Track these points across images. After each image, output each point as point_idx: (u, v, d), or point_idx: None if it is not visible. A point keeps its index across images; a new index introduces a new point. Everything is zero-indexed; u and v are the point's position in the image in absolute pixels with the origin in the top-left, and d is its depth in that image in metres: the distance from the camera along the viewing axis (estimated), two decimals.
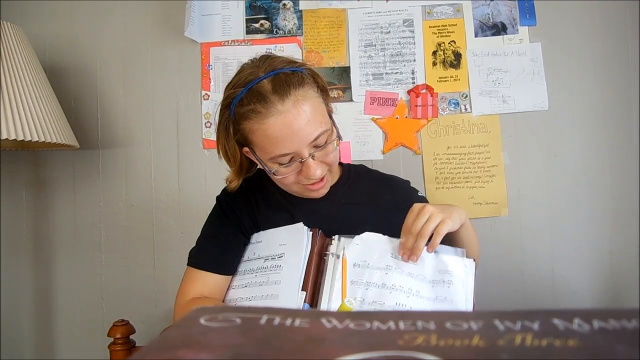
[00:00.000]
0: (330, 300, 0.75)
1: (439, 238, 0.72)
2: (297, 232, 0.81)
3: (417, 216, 0.74)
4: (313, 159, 0.78)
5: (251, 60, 0.81)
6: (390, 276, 0.76)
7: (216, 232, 0.88)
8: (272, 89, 0.74)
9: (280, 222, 0.85)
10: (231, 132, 0.80)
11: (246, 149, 0.82)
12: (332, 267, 0.77)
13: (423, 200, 0.93)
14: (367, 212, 0.88)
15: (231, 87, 0.79)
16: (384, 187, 0.93)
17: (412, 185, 0.99)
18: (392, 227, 0.85)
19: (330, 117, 0.83)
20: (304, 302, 0.75)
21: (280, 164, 0.78)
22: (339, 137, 0.83)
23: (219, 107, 0.82)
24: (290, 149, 0.76)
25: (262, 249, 0.84)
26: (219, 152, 0.85)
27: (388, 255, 0.78)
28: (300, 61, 0.82)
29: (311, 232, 0.81)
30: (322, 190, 0.84)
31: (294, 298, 0.75)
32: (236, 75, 0.80)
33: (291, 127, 0.74)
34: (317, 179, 0.79)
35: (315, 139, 0.76)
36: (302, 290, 0.76)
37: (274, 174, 0.80)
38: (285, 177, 0.80)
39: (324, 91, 0.82)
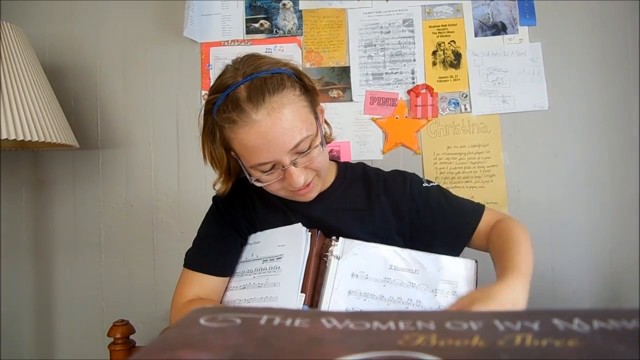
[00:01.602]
0: (331, 303, 0.74)
1: None
2: (295, 233, 0.80)
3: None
4: (295, 166, 0.74)
5: (234, 61, 0.78)
6: (389, 288, 0.75)
7: (213, 233, 0.86)
8: (247, 96, 0.71)
9: (277, 222, 0.84)
10: (217, 136, 0.77)
11: (233, 152, 0.80)
12: (335, 269, 0.76)
13: (428, 190, 0.88)
14: (361, 219, 0.85)
15: (212, 91, 0.76)
16: (380, 189, 0.88)
17: (401, 172, 0.92)
18: (387, 232, 0.84)
19: (317, 119, 0.79)
20: (304, 304, 0.75)
21: (262, 172, 0.75)
22: (323, 143, 0.78)
23: (202, 111, 0.79)
24: (268, 158, 0.73)
25: (260, 250, 0.83)
26: (204, 157, 0.81)
27: (387, 266, 0.77)
28: (285, 61, 0.78)
29: (310, 233, 0.80)
30: (309, 195, 0.81)
31: (293, 300, 0.75)
32: (218, 78, 0.77)
33: (266, 137, 0.71)
34: (301, 186, 0.76)
35: (296, 146, 0.73)
36: (302, 292, 0.75)
37: (256, 181, 0.78)
38: (269, 185, 0.78)
39: (310, 91, 0.78)
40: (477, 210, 0.87)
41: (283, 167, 0.74)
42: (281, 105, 0.71)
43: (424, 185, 0.89)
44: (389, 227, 0.85)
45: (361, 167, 0.94)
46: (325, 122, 0.87)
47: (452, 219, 0.85)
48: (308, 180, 0.77)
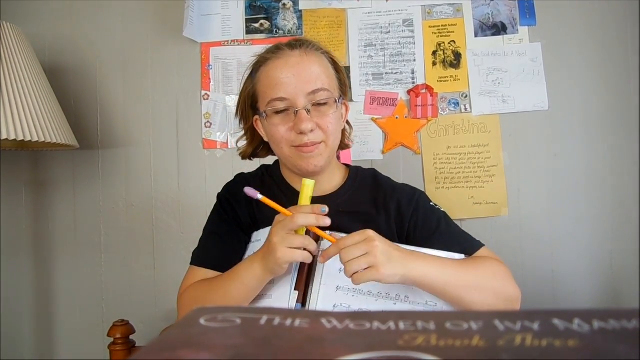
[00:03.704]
0: (319, 298, 0.75)
1: (356, 282, 0.68)
2: None
3: (356, 244, 0.69)
4: (308, 113, 0.77)
5: None
6: (377, 283, 0.75)
7: (217, 230, 0.88)
8: (288, 43, 0.81)
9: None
10: (249, 91, 0.84)
11: (256, 116, 0.85)
12: (322, 265, 0.76)
13: (434, 210, 0.88)
14: (365, 223, 0.83)
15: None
16: (388, 196, 0.87)
17: (412, 187, 0.92)
18: (389, 238, 0.82)
19: (341, 101, 0.85)
20: (296, 301, 0.75)
21: (275, 112, 0.79)
22: (340, 115, 0.83)
23: (245, 76, 0.88)
24: (286, 94, 0.77)
25: (259, 248, 0.84)
26: (236, 113, 0.90)
27: None
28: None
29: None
30: (313, 160, 0.80)
31: (286, 297, 0.76)
32: None
33: (292, 69, 0.77)
34: (307, 132, 0.77)
35: (314, 92, 0.77)
36: (295, 289, 0.76)
37: (267, 121, 0.81)
38: (277, 128, 0.79)
39: (342, 82, 0.85)
40: (475, 244, 0.85)
41: (296, 109, 0.77)
42: (315, 56, 0.80)
43: (430, 204, 0.89)
44: (391, 233, 0.85)
45: (372, 173, 0.94)
46: (347, 122, 0.92)
47: (447, 242, 0.82)
48: (315, 139, 0.79)
